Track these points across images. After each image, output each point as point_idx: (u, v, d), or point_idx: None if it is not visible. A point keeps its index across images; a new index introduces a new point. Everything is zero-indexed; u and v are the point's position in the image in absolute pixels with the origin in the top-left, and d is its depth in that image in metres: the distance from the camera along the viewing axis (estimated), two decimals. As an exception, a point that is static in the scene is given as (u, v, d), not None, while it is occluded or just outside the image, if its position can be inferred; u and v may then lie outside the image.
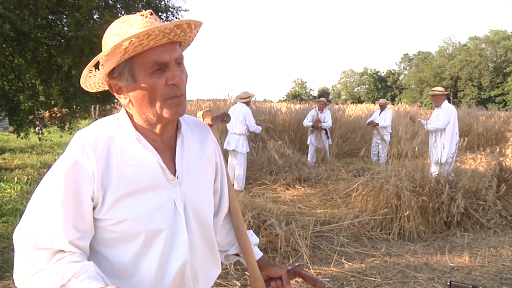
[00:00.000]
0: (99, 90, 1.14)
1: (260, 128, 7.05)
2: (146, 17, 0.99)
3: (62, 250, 0.96)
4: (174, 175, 1.08)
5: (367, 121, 9.64)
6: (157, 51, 0.97)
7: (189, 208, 1.10)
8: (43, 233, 0.94)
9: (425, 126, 6.08)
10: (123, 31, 0.97)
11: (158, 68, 0.98)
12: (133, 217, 1.01)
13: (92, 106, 5.95)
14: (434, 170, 5.47)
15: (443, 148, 5.65)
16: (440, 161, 5.53)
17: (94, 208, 1.00)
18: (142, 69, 0.98)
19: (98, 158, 0.98)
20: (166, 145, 1.10)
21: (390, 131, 9.11)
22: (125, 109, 1.09)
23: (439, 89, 6.23)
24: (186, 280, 1.10)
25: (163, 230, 1.04)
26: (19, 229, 0.97)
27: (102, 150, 1.00)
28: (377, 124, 9.03)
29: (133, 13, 1.05)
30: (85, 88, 1.10)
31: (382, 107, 9.27)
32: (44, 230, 0.94)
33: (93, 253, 1.04)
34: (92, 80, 1.05)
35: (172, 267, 1.07)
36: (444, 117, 5.85)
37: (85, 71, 1.01)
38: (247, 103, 6.85)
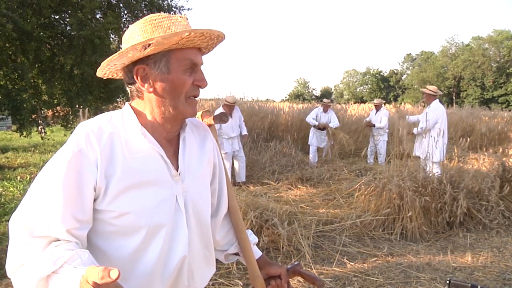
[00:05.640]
0: (113, 77, 1.15)
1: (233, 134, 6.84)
2: (186, 19, 1.05)
3: (58, 239, 0.93)
4: (177, 171, 1.09)
5: (364, 121, 9.62)
6: (192, 52, 1.05)
7: (189, 205, 1.11)
8: (41, 220, 0.92)
9: (415, 131, 6.37)
10: (164, 25, 1.01)
11: (190, 67, 1.05)
12: (136, 210, 1.00)
13: (81, 110, 5.91)
14: (436, 170, 5.47)
15: (435, 146, 5.83)
16: (432, 159, 5.73)
17: (95, 200, 0.99)
18: (179, 63, 1.03)
19: (102, 147, 0.98)
20: (169, 142, 1.12)
21: (387, 131, 9.08)
22: (130, 105, 1.09)
23: (431, 88, 6.42)
24: (182, 277, 1.09)
25: (164, 225, 1.05)
26: (15, 215, 0.95)
27: (107, 140, 1.00)
28: (374, 125, 8.98)
29: (137, 13, 1.06)
30: (101, 74, 1.12)
31: (378, 107, 9.18)
32: (42, 217, 0.93)
33: (91, 247, 1.01)
34: (119, 61, 1.04)
35: (171, 262, 1.06)
36: (432, 117, 6.06)
37: (127, 48, 0.99)
38: (225, 106, 6.86)
